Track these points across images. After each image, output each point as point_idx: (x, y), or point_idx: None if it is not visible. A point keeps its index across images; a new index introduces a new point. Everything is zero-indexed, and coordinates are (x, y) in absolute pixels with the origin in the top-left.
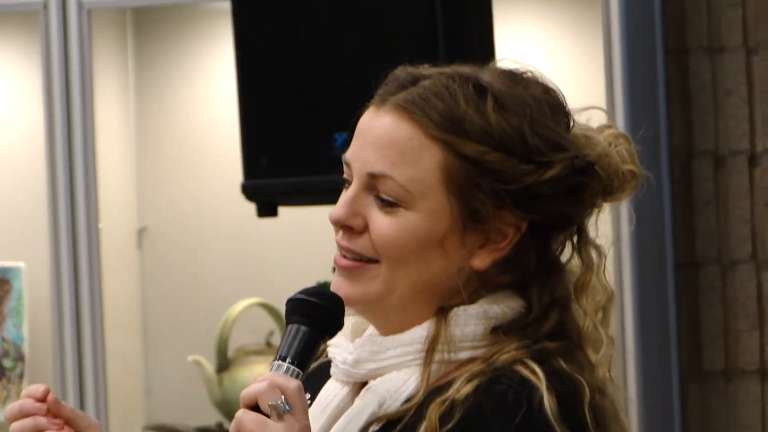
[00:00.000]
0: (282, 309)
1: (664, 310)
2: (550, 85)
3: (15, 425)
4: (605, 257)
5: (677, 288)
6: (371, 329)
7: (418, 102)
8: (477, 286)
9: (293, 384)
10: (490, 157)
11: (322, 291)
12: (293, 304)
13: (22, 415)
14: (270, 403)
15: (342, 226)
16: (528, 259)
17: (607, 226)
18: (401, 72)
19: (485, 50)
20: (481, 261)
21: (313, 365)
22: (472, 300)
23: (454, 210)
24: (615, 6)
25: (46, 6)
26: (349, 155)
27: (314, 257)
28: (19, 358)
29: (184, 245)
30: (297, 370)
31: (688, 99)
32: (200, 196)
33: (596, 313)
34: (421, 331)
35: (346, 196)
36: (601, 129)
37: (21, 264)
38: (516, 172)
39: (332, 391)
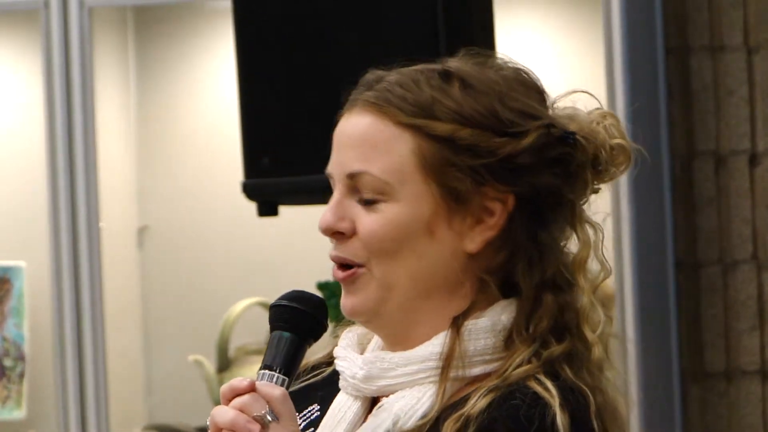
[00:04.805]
0: None
1: (664, 310)
2: (522, 67)
3: None
4: (602, 234)
5: (678, 288)
6: (377, 339)
7: (383, 95)
8: (477, 273)
9: (277, 392)
10: (462, 134)
11: (303, 295)
12: (275, 310)
13: None
14: (255, 414)
15: (332, 233)
16: (518, 235)
17: (608, 224)
18: (369, 75)
19: (486, 48)
20: (472, 242)
21: (325, 373)
22: (481, 301)
23: (434, 193)
24: (616, 5)
25: (47, 4)
26: (329, 167)
27: (315, 256)
28: (20, 357)
29: (185, 244)
30: (282, 377)
31: (689, 99)
32: (201, 196)
33: (594, 290)
34: (433, 348)
35: (330, 202)
36: (589, 112)
37: (22, 263)
38: (491, 145)
39: (344, 404)
